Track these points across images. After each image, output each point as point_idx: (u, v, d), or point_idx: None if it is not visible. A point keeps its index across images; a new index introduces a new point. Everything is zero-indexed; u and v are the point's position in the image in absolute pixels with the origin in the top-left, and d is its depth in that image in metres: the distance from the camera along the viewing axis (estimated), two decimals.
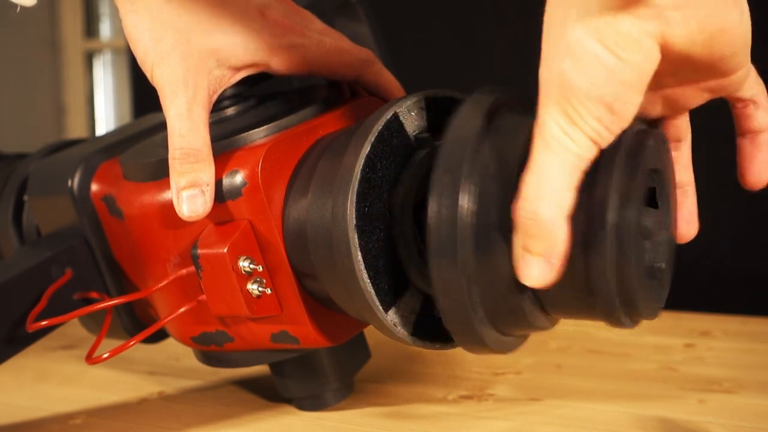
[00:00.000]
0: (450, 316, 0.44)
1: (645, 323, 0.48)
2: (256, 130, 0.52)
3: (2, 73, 3.05)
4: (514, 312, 0.44)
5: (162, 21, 0.51)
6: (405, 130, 0.48)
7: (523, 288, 0.42)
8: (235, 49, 0.52)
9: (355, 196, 0.46)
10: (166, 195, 0.54)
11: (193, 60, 0.50)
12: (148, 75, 0.52)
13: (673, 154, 0.47)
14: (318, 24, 0.56)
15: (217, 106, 0.56)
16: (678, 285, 0.96)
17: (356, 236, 0.46)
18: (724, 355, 0.70)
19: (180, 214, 0.50)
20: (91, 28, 3.38)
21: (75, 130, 3.21)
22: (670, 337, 0.74)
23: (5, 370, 0.59)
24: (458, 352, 0.60)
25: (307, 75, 0.56)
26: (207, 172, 0.50)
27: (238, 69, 0.53)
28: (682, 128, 0.47)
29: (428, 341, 0.49)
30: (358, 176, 0.47)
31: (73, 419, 0.61)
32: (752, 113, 0.45)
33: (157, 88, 0.51)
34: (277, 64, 0.53)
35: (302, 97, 0.56)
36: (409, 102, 0.49)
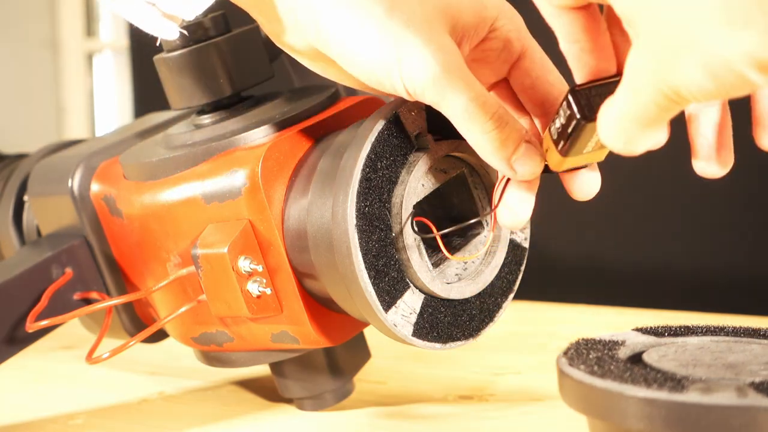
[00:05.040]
0: None
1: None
2: (256, 130, 0.53)
3: (2, 73, 3.05)
4: None
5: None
6: (405, 130, 0.48)
7: None
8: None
9: (355, 196, 0.47)
10: (167, 195, 0.54)
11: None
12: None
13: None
14: None
15: (216, 106, 0.56)
16: (678, 286, 0.96)
17: (356, 236, 0.46)
18: None
19: (525, 176, 0.45)
20: (91, 28, 3.38)
21: (75, 130, 3.21)
22: None
23: (5, 370, 0.59)
24: (458, 352, 0.60)
25: None
26: (518, 122, 0.45)
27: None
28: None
29: (428, 341, 0.49)
30: (358, 176, 0.47)
31: (73, 419, 0.61)
32: None
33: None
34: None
35: (302, 97, 0.56)
36: (409, 102, 0.49)
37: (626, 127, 0.38)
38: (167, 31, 0.50)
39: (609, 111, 0.38)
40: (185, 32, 0.54)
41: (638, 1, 0.35)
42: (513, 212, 0.46)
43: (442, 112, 0.45)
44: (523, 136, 0.45)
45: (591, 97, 0.42)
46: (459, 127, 0.45)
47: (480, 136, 0.44)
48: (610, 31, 0.43)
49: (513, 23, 0.48)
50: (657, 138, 0.38)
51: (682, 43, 0.33)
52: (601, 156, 0.44)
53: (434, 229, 0.48)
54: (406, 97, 0.46)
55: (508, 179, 0.46)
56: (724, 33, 0.32)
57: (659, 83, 0.35)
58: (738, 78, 0.33)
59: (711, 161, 0.44)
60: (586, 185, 0.46)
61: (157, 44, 0.56)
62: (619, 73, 0.41)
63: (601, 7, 0.42)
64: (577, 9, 0.41)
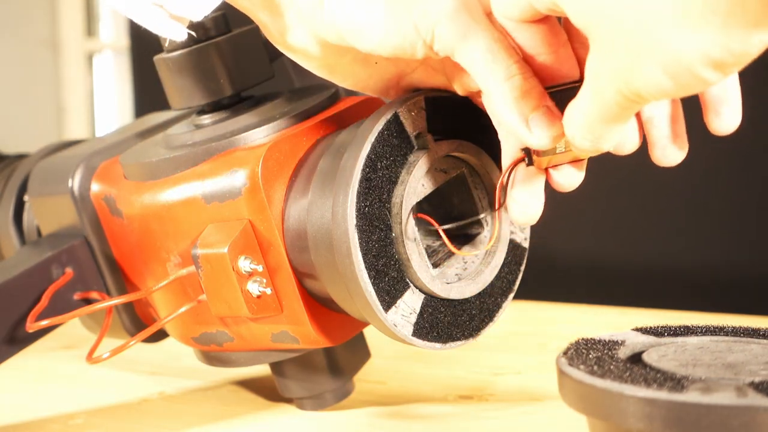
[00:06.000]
0: None
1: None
2: (256, 130, 0.53)
3: (2, 73, 3.05)
4: None
5: None
6: (405, 130, 0.48)
7: None
8: None
9: (355, 196, 0.47)
10: (167, 195, 0.54)
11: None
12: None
13: None
14: None
15: (216, 106, 0.56)
16: (677, 286, 0.96)
17: (356, 236, 0.46)
18: None
19: (542, 142, 0.42)
20: (91, 28, 3.38)
21: (75, 130, 3.21)
22: None
23: (5, 370, 0.59)
24: (458, 352, 0.60)
25: None
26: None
27: None
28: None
29: (428, 341, 0.49)
30: (358, 176, 0.47)
31: (73, 419, 0.61)
32: None
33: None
34: None
35: (302, 97, 0.56)
36: (409, 102, 0.49)
37: (591, 126, 0.39)
38: (174, 32, 0.50)
39: (573, 113, 0.39)
40: (193, 33, 0.54)
41: (594, 11, 0.35)
42: (524, 208, 0.46)
43: (460, 59, 0.43)
44: (545, 96, 0.42)
45: (555, 101, 0.42)
46: (480, 70, 0.42)
47: (503, 82, 0.42)
48: (571, 41, 0.43)
49: None
50: (621, 134, 0.40)
51: (640, 47, 0.34)
52: (577, 154, 0.45)
53: (435, 224, 0.48)
54: (425, 51, 0.44)
55: (512, 168, 0.46)
56: (681, 35, 0.33)
57: (620, 85, 0.36)
58: (695, 77, 0.34)
59: (666, 150, 0.45)
60: (563, 177, 0.46)
61: (166, 44, 0.56)
62: (581, 79, 0.42)
63: (560, 18, 0.42)
64: (536, 22, 0.42)
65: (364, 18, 0.45)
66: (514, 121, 0.42)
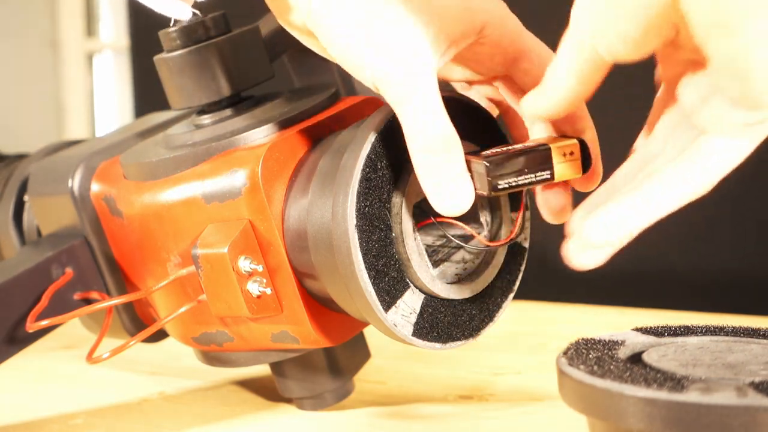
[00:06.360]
0: None
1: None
2: (256, 130, 0.53)
3: (2, 73, 3.05)
4: None
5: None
6: None
7: None
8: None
9: (355, 196, 0.47)
10: (167, 195, 0.54)
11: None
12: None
13: None
14: None
15: (216, 106, 0.56)
16: (677, 286, 0.96)
17: (356, 236, 0.46)
18: None
19: (448, 211, 0.45)
20: (91, 28, 3.38)
21: (75, 130, 3.21)
22: None
23: (5, 370, 0.59)
24: (458, 352, 0.60)
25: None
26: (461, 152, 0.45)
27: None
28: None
29: (428, 341, 0.49)
30: (359, 176, 0.47)
31: (73, 419, 0.61)
32: None
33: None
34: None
35: (302, 97, 0.56)
36: None
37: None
38: (180, 11, 0.50)
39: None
40: (198, 12, 0.54)
41: None
42: (557, 215, 0.48)
43: (397, 114, 0.45)
44: (460, 170, 0.45)
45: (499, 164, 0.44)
46: (405, 133, 0.45)
47: (418, 153, 0.45)
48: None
49: (504, 28, 0.48)
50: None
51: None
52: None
53: (451, 219, 0.48)
54: (372, 89, 0.46)
55: (544, 186, 0.47)
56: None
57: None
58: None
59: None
60: (553, 209, 0.48)
61: (166, 45, 0.56)
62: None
63: None
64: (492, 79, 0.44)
65: (335, 31, 0.46)
66: (426, 188, 0.45)
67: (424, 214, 0.49)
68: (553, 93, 0.43)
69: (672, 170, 0.40)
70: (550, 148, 0.44)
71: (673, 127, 0.42)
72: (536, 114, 0.45)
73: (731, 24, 0.33)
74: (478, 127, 0.50)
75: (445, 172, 0.44)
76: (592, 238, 0.41)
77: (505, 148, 0.45)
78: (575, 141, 0.45)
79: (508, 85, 0.51)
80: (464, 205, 0.45)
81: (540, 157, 0.44)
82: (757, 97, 0.34)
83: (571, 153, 0.45)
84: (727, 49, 0.34)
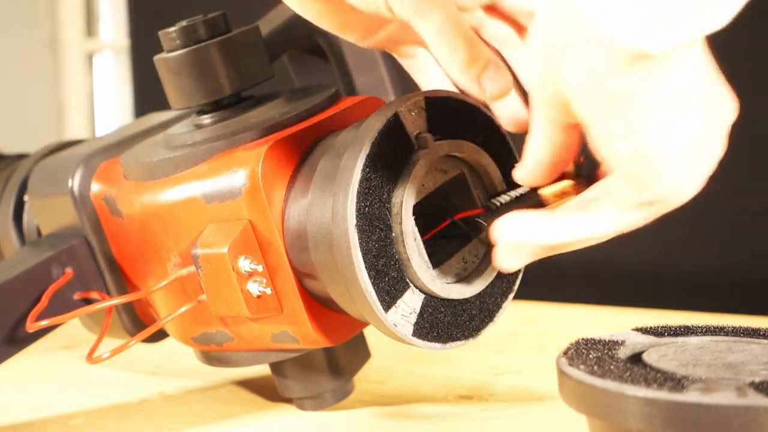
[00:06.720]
0: None
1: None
2: (256, 130, 0.52)
3: (2, 73, 3.05)
4: None
5: None
6: (405, 130, 0.48)
7: None
8: None
9: (355, 196, 0.47)
10: (167, 195, 0.54)
11: None
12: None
13: None
14: None
15: (216, 106, 0.56)
16: (677, 286, 0.96)
17: (356, 236, 0.46)
18: None
19: (492, 95, 0.47)
20: (91, 28, 3.38)
21: (75, 130, 3.21)
22: None
23: (5, 370, 0.59)
24: (458, 352, 0.60)
25: None
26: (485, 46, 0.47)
27: None
28: None
29: (428, 341, 0.49)
30: (358, 176, 0.47)
31: (73, 419, 0.61)
32: None
33: None
34: None
35: (302, 97, 0.56)
36: (409, 102, 0.49)
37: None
38: None
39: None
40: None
41: None
42: (517, 125, 0.50)
43: (416, 29, 0.46)
44: (491, 57, 0.46)
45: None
46: (430, 45, 0.46)
47: (449, 56, 0.46)
48: None
49: None
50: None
51: None
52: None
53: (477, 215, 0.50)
54: (389, 14, 0.47)
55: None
56: None
57: None
58: None
59: None
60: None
61: (166, 45, 0.55)
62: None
63: None
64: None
65: None
66: (466, 85, 0.47)
67: (424, 214, 0.49)
68: (530, 163, 0.44)
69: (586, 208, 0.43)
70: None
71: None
72: (527, 185, 0.46)
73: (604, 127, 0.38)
74: (477, 127, 0.50)
75: (480, 63, 0.46)
76: (503, 236, 0.44)
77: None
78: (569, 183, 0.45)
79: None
80: (505, 86, 0.46)
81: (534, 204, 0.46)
82: (642, 183, 0.38)
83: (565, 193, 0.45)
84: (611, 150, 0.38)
